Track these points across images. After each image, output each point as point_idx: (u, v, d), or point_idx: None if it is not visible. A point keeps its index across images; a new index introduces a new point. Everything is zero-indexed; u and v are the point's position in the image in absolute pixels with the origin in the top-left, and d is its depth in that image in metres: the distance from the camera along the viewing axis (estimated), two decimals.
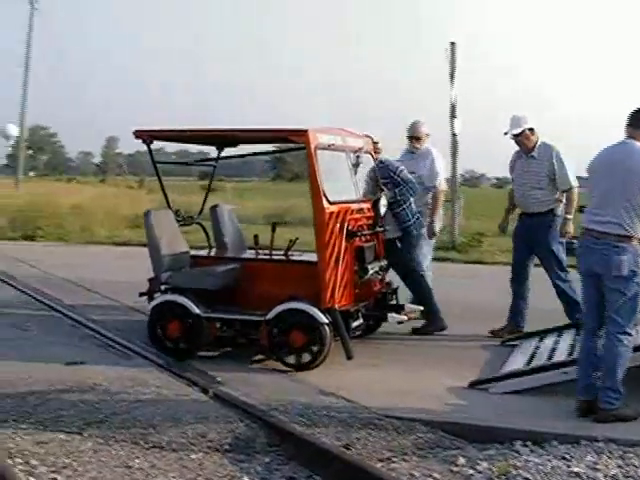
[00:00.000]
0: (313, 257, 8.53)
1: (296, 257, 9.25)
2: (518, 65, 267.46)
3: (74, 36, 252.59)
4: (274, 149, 10.38)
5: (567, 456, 5.73)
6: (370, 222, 9.16)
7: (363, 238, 8.85)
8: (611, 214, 6.47)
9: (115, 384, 7.42)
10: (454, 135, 21.02)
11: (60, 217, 24.66)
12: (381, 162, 9.96)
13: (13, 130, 60.62)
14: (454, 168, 21.57)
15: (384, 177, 9.75)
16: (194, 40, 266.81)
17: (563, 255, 9.46)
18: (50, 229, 23.69)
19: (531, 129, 9.43)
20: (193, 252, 9.63)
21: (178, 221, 9.61)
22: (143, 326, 8.93)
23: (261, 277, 8.98)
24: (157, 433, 6.19)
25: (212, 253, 10.03)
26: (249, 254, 9.83)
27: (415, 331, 9.79)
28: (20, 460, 5.66)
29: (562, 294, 9.44)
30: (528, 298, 9.67)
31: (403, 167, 10.12)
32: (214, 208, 10.24)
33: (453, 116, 20.83)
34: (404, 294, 9.98)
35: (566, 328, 8.98)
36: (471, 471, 5.56)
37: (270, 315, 8.27)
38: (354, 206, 8.85)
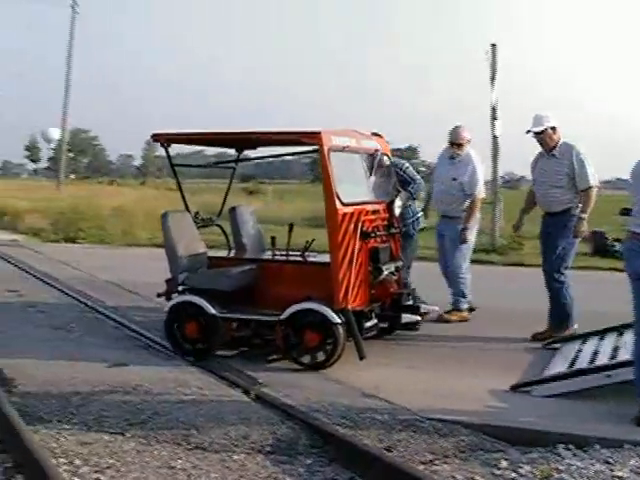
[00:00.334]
0: (329, 258, 8.56)
1: (312, 258, 9.31)
2: (555, 66, 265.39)
3: (114, 39, 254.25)
4: (292, 152, 10.39)
5: (610, 460, 5.68)
6: (385, 223, 9.20)
7: (378, 239, 8.91)
8: None
9: (157, 385, 7.46)
10: (495, 137, 20.93)
11: (101, 219, 24.88)
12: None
13: (54, 133, 61.17)
14: (495, 171, 21.50)
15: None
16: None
17: (568, 256, 9.37)
18: (92, 231, 23.91)
19: (553, 128, 9.37)
20: (211, 253, 9.71)
21: (197, 223, 9.70)
22: None
23: (277, 278, 9.06)
24: (199, 434, 6.21)
25: (231, 254, 10.10)
26: (266, 255, 9.91)
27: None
28: (64, 460, 5.69)
29: (552, 294, 9.42)
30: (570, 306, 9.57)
31: (408, 164, 10.41)
32: (233, 210, 10.33)
33: (494, 118, 20.75)
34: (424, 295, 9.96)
35: (608, 331, 8.90)
36: (513, 474, 5.53)
37: (284, 315, 8.36)
38: (369, 207, 8.91)
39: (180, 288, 9.10)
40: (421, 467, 5.66)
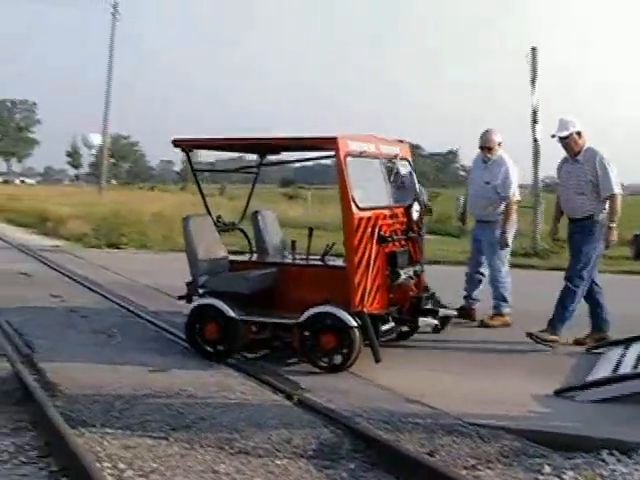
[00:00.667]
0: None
1: (332, 262, 9.35)
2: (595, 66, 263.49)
3: (156, 44, 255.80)
4: (310, 157, 10.51)
5: None
6: (404, 227, 9.22)
7: (396, 243, 8.96)
8: None
9: (200, 390, 7.50)
10: (535, 140, 20.82)
11: (143, 225, 25.00)
12: None
13: (96, 139, 61.65)
14: (535, 174, 21.39)
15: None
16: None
17: (591, 263, 9.21)
18: (133, 236, 24.05)
19: (578, 132, 9.25)
20: (232, 257, 9.78)
21: (219, 227, 9.82)
22: None
23: (297, 281, 9.14)
24: (242, 438, 6.23)
25: (253, 258, 10.16)
26: (287, 259, 9.98)
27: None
28: (108, 464, 5.73)
29: (563, 293, 9.30)
30: (604, 304, 9.51)
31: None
32: (256, 214, 10.41)
33: (534, 121, 20.64)
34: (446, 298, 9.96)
35: None
36: None
37: (302, 318, 8.43)
38: (387, 212, 8.97)
39: (200, 291, 9.24)
40: (464, 472, 5.66)
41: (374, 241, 8.49)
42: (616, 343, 9.01)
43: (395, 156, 9.50)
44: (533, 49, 20.81)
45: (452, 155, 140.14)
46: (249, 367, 8.50)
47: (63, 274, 16.23)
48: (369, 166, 9.21)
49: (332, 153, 8.56)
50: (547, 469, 5.69)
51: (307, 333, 8.44)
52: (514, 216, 10.76)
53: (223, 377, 8.09)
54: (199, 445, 6.14)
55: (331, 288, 8.60)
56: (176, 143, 9.73)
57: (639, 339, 8.81)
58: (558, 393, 7.43)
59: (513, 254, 16.69)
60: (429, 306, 9.43)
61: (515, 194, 10.69)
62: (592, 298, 9.46)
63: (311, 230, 9.77)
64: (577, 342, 9.39)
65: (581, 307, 9.49)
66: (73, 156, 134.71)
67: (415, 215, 9.24)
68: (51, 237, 27.75)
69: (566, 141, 9.30)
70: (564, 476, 5.58)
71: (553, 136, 9.31)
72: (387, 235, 8.72)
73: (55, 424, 6.33)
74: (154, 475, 5.57)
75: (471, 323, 10.71)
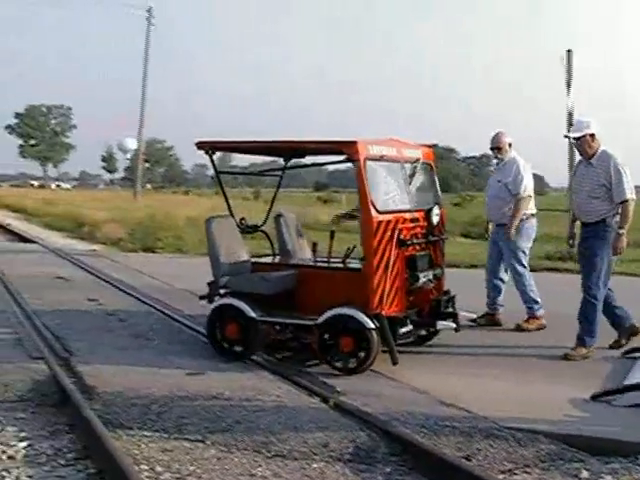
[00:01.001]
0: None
1: (352, 264, 9.32)
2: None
3: (192, 48, 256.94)
4: (329, 161, 10.59)
5: None
6: (424, 231, 9.23)
7: (417, 247, 8.99)
8: None
9: (237, 393, 7.52)
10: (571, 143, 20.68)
11: (178, 229, 25.09)
12: None
13: (131, 144, 62.09)
14: (571, 176, 21.24)
15: None
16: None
17: (604, 269, 9.00)
18: (169, 241, 24.14)
19: (592, 135, 9.08)
20: (255, 259, 9.90)
21: (242, 229, 9.96)
22: None
23: (317, 283, 9.17)
24: (279, 442, 6.24)
25: (276, 260, 10.26)
26: (308, 261, 10.05)
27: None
28: (145, 467, 5.76)
29: (583, 308, 9.08)
30: (619, 308, 9.39)
31: None
32: (278, 217, 10.49)
33: (570, 124, 20.50)
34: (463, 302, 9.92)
35: None
36: None
37: (320, 320, 8.50)
38: (407, 215, 8.98)
39: (222, 291, 9.39)
40: (501, 476, 5.64)
41: (393, 244, 8.55)
42: None
43: (417, 160, 9.50)
44: (568, 51, 20.67)
45: (486, 158, 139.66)
46: (284, 370, 8.52)
47: (99, 278, 16.32)
48: (390, 170, 9.26)
49: (352, 157, 8.63)
50: (585, 474, 5.66)
51: (326, 335, 8.51)
52: (522, 212, 10.61)
53: (259, 380, 8.11)
54: (236, 448, 6.16)
55: (351, 290, 8.65)
56: (199, 145, 9.82)
57: None
58: (595, 397, 7.36)
59: (549, 257, 16.60)
60: (449, 309, 9.45)
61: (527, 191, 10.63)
62: (606, 305, 9.28)
63: (332, 233, 9.81)
64: (613, 346, 9.33)
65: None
66: (108, 161, 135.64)
67: (435, 219, 9.25)
68: (87, 241, 27.97)
69: (579, 142, 9.18)
70: None
71: (567, 136, 9.22)
72: (407, 238, 8.76)
73: (93, 427, 6.36)
74: (191, 478, 5.59)
75: (504, 327, 10.67)
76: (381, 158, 8.89)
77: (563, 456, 5.99)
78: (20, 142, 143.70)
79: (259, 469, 5.77)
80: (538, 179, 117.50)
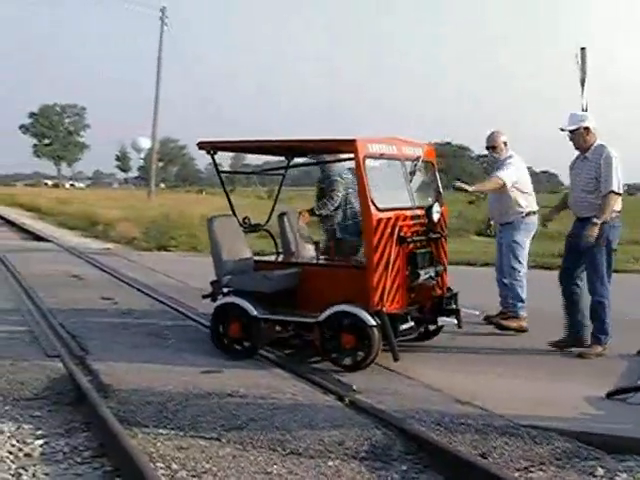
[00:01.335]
0: None
1: (354, 262, 9.49)
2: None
3: (204, 47, 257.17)
4: (329, 159, 10.66)
5: None
6: (425, 228, 9.24)
7: (418, 244, 9.00)
8: None
9: (252, 391, 7.52)
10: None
11: (192, 227, 25.11)
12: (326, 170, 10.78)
13: (144, 143, 62.27)
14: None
15: (323, 181, 10.78)
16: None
17: (604, 266, 8.95)
18: (183, 239, 24.17)
19: (587, 128, 9.04)
20: (257, 257, 9.99)
21: (245, 228, 10.02)
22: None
23: (319, 281, 9.21)
24: (294, 440, 6.24)
25: (279, 259, 10.32)
26: (310, 259, 10.09)
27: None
28: (161, 464, 5.77)
29: (592, 307, 9.05)
30: (584, 316, 9.19)
31: (340, 184, 10.77)
32: (282, 216, 10.52)
33: None
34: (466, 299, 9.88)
35: None
36: None
37: (322, 317, 8.55)
38: (408, 213, 9.00)
39: (224, 290, 9.45)
40: (517, 474, 5.63)
41: (394, 241, 8.57)
42: None
43: (418, 158, 9.51)
44: (582, 49, 20.62)
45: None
46: (299, 368, 8.53)
47: (114, 276, 16.38)
48: (390, 168, 9.35)
49: (351, 155, 8.71)
50: (600, 471, 5.65)
51: (327, 332, 8.56)
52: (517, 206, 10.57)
53: (273, 378, 8.13)
54: (251, 446, 6.16)
55: (353, 288, 8.68)
56: (200, 145, 9.89)
57: None
58: (610, 395, 7.34)
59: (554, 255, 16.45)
60: (451, 306, 9.46)
61: (520, 185, 10.55)
62: (574, 303, 9.28)
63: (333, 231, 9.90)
64: (553, 345, 9.36)
65: (636, 308, 9.41)
66: (122, 160, 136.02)
67: (436, 216, 9.26)
68: (101, 240, 28.04)
69: (573, 136, 9.12)
70: (617, 479, 5.55)
71: (562, 130, 9.16)
72: (407, 236, 8.78)
73: (109, 425, 6.37)
74: (207, 476, 5.60)
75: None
76: (381, 156, 8.94)
77: (578, 454, 5.97)
78: (34, 142, 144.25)
79: (274, 467, 5.78)
80: (552, 177, 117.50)
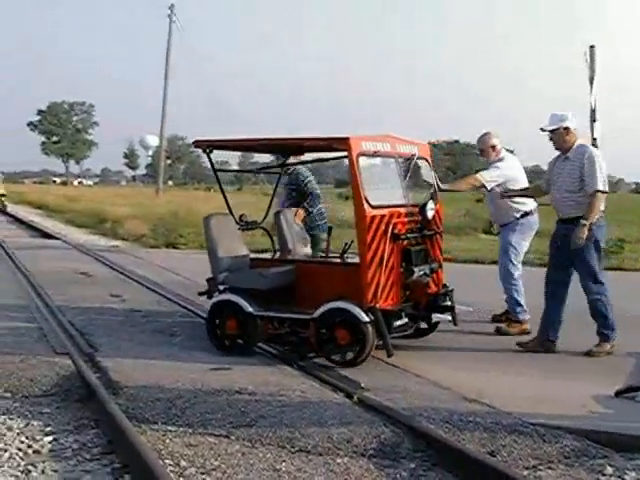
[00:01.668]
0: None
1: (350, 259, 9.49)
2: None
3: (213, 46, 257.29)
4: (323, 157, 10.78)
5: None
6: (419, 225, 9.28)
7: (413, 241, 9.06)
8: None
9: (260, 388, 7.52)
10: (594, 139, 20.59)
11: (200, 225, 25.13)
12: (294, 170, 11.18)
13: (152, 141, 62.47)
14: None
15: (292, 184, 11.28)
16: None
17: (596, 265, 8.96)
18: (191, 237, 24.21)
19: (566, 128, 9.01)
20: (253, 255, 10.11)
21: (241, 226, 10.10)
22: None
23: (314, 278, 9.28)
24: (303, 437, 6.24)
25: (276, 256, 10.37)
26: (305, 257, 10.23)
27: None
28: (170, 461, 5.78)
29: (591, 306, 9.07)
30: (559, 321, 9.23)
31: (312, 178, 11.23)
32: (278, 213, 10.61)
33: (593, 120, 20.44)
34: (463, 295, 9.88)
35: None
36: None
37: (316, 314, 8.62)
38: (402, 210, 9.05)
39: (220, 287, 9.54)
40: (525, 472, 5.63)
41: (387, 238, 8.61)
42: None
43: (412, 155, 9.52)
44: (591, 47, 20.56)
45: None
46: (308, 366, 8.55)
47: (122, 274, 16.42)
48: (384, 165, 9.41)
49: (345, 153, 8.73)
50: (609, 470, 5.65)
51: (322, 328, 8.61)
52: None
53: (282, 376, 8.14)
54: (260, 443, 6.17)
55: (347, 285, 8.73)
56: (197, 144, 10.04)
57: None
58: (619, 394, 7.33)
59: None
60: (446, 303, 9.52)
61: (494, 183, 10.46)
62: (556, 305, 9.26)
63: (330, 229, 10.23)
64: (520, 344, 9.37)
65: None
66: (130, 157, 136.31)
67: (430, 213, 9.30)
68: (109, 237, 28.11)
69: (553, 136, 9.11)
70: (626, 477, 5.55)
71: (542, 130, 9.12)
72: (401, 233, 8.81)
73: (118, 421, 6.39)
74: (216, 473, 5.61)
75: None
76: (375, 154, 8.96)
77: (587, 452, 5.97)
78: (42, 139, 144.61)
79: (283, 464, 5.79)
80: None
